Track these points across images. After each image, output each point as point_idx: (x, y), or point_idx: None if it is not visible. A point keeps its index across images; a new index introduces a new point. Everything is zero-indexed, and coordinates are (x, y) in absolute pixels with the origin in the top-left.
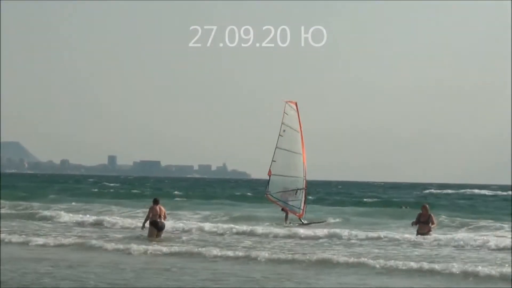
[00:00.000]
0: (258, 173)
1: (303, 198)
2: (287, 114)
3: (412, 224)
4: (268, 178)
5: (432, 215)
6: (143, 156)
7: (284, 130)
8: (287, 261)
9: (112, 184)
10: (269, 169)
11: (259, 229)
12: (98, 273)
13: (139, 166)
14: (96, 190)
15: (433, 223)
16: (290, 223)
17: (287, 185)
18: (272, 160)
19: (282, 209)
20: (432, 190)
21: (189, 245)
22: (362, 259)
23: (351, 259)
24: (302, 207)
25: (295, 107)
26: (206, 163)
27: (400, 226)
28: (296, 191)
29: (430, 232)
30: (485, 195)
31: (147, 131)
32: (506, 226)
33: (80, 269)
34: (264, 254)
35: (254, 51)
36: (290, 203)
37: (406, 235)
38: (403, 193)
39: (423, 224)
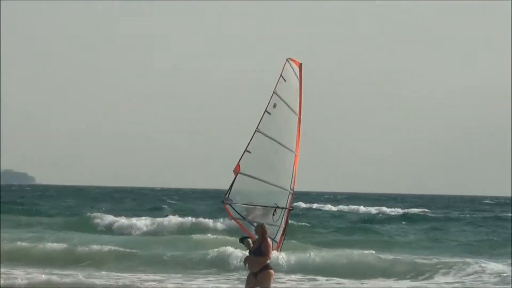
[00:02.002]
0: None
1: (283, 224)
2: (284, 80)
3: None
4: (233, 176)
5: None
6: None
7: (274, 105)
8: None
9: None
10: (238, 163)
11: None
12: None
13: None
14: None
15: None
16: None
17: (260, 197)
18: (246, 150)
19: (242, 240)
20: None
21: None
22: None
23: None
24: (278, 238)
25: (298, 71)
26: None
27: None
28: (275, 211)
29: None
30: None
31: None
32: None
33: None
34: None
35: None
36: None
37: None
38: None
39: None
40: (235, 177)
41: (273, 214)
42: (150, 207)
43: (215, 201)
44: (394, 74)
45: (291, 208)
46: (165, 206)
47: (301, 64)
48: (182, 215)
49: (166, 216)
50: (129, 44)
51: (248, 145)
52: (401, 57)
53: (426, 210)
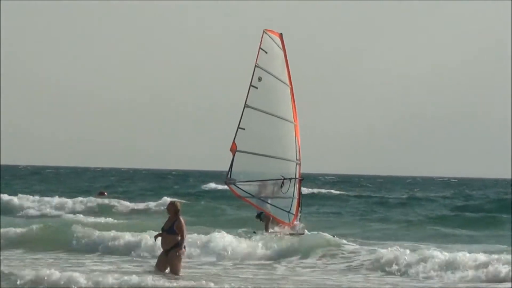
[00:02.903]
0: None
1: (297, 195)
2: (265, 51)
3: None
4: (231, 156)
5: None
6: None
7: (259, 78)
8: None
9: None
10: (233, 142)
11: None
12: None
13: None
14: None
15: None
16: (276, 234)
17: (267, 171)
18: (238, 127)
19: (259, 215)
20: None
21: None
22: None
23: None
24: (294, 210)
25: (279, 41)
26: None
27: None
28: (283, 183)
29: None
30: None
31: None
32: None
33: None
34: None
35: None
36: (271, 202)
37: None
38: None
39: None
40: (233, 156)
41: (281, 187)
42: None
43: None
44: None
45: (301, 178)
46: None
47: (281, 34)
48: None
49: None
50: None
51: (240, 122)
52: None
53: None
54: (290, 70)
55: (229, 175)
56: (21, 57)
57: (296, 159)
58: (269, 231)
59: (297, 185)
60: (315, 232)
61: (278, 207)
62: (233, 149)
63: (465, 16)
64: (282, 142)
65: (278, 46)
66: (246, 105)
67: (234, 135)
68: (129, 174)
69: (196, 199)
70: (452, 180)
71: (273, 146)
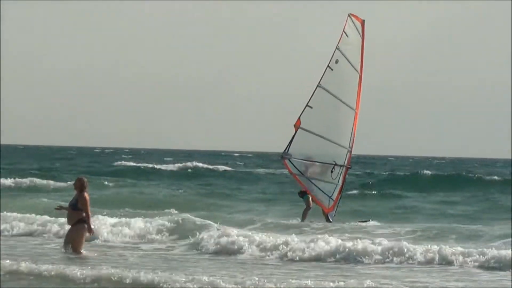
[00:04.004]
0: None
1: (341, 182)
2: (347, 35)
3: None
4: (293, 132)
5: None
6: None
7: (337, 61)
8: None
9: None
10: (299, 118)
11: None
12: None
13: None
14: None
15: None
16: (311, 221)
17: (321, 154)
18: (307, 105)
19: (302, 192)
20: None
21: None
22: None
23: None
24: (335, 196)
25: (360, 28)
26: None
27: None
28: (333, 168)
29: None
30: None
31: None
32: None
33: None
34: None
35: None
36: (318, 184)
37: None
38: None
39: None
40: (296, 132)
41: (332, 172)
42: None
43: None
44: None
45: (349, 167)
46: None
47: (363, 20)
48: None
49: None
50: None
51: (309, 100)
52: None
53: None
54: (363, 58)
55: (287, 150)
56: None
57: (349, 146)
58: (306, 218)
59: (343, 172)
60: None
61: (322, 191)
62: (297, 125)
63: None
64: (340, 128)
65: (358, 32)
66: (319, 85)
67: (301, 112)
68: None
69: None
70: None
71: (332, 130)
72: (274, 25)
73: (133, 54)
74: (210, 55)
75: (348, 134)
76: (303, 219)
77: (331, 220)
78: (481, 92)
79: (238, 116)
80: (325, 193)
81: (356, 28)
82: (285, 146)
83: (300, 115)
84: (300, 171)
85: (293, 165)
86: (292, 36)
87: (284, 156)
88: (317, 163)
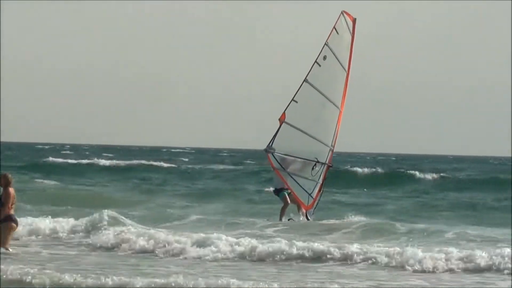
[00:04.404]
0: None
1: (321, 180)
2: (337, 32)
3: None
4: (278, 125)
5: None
6: None
7: (324, 57)
8: None
9: None
10: (284, 112)
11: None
12: None
13: None
14: None
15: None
16: (289, 219)
17: (304, 150)
18: (293, 99)
19: (276, 190)
20: None
21: None
22: None
23: None
24: (314, 194)
25: (352, 26)
26: None
27: None
28: (315, 165)
29: None
30: None
31: None
32: None
33: None
34: None
35: None
36: (298, 180)
37: None
38: None
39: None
40: (280, 126)
41: (313, 169)
42: None
43: None
44: None
45: (330, 165)
46: None
47: (355, 19)
48: None
49: None
50: None
51: (295, 94)
52: None
53: None
54: (352, 57)
55: (271, 144)
56: None
57: (331, 145)
58: (283, 219)
59: (324, 171)
60: None
61: (302, 187)
62: (282, 119)
63: None
64: (324, 125)
65: (349, 30)
66: (305, 80)
67: (286, 106)
68: None
69: None
70: None
71: (316, 127)
72: (274, 25)
73: (133, 54)
74: (210, 55)
75: (331, 132)
76: (281, 217)
77: (309, 218)
78: (481, 92)
79: (238, 116)
80: (305, 190)
81: (348, 26)
82: (269, 140)
83: (285, 109)
84: (282, 166)
85: (276, 160)
86: (292, 36)
87: (267, 150)
88: (299, 159)
